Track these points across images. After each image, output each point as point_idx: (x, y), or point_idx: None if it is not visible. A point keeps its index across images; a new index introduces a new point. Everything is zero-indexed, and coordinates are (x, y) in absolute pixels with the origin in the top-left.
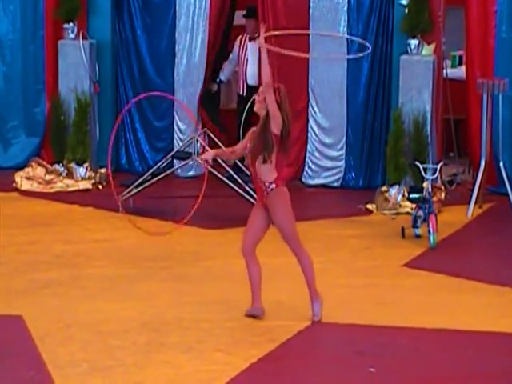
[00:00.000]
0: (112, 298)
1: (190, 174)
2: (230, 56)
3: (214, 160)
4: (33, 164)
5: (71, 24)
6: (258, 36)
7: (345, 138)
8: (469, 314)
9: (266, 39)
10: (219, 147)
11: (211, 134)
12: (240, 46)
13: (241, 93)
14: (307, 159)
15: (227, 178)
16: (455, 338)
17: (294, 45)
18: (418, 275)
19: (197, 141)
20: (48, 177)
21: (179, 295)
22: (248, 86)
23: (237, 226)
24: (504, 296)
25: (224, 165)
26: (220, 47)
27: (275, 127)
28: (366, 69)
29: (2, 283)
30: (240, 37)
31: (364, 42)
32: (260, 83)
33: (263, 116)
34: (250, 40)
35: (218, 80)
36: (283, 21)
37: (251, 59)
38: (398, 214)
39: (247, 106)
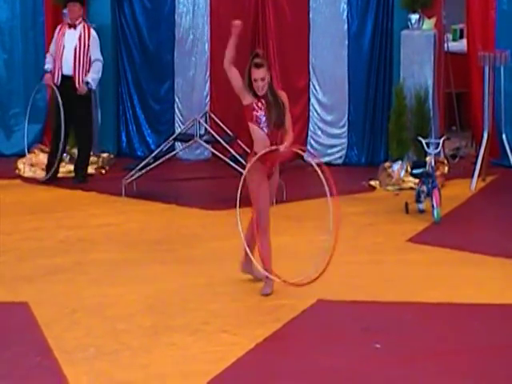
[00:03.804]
0: (117, 282)
1: (193, 156)
2: (51, 47)
3: (217, 142)
4: (35, 150)
5: None
6: (79, 23)
7: (347, 116)
8: (474, 287)
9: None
10: (222, 130)
11: (214, 116)
12: (59, 34)
13: (56, 82)
14: (309, 137)
15: (230, 158)
16: (460, 311)
17: (295, 22)
18: (423, 250)
19: (199, 122)
20: None
21: (184, 277)
22: (63, 76)
23: (241, 207)
24: (508, 268)
25: (227, 146)
26: None
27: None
28: (367, 45)
29: (7, 270)
30: (60, 25)
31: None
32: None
33: (267, 89)
34: (70, 27)
35: (45, 69)
36: (284, 1)
37: (68, 47)
38: (401, 189)
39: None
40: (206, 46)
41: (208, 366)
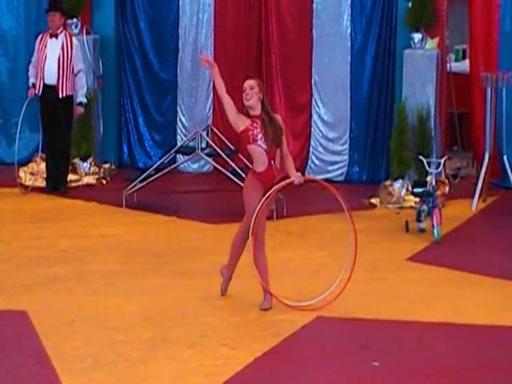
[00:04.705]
0: (116, 293)
1: (194, 169)
2: (33, 57)
3: (218, 155)
4: (37, 159)
5: (75, 19)
6: (61, 32)
7: (348, 133)
8: (473, 308)
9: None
10: (224, 143)
11: (215, 130)
12: (40, 44)
13: (37, 93)
14: (311, 154)
15: (231, 172)
16: (459, 331)
17: (298, 38)
18: (422, 269)
19: (200, 135)
20: None
21: (183, 290)
22: (45, 86)
23: (241, 221)
24: (508, 289)
25: (228, 160)
26: None
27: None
28: (370, 63)
29: (6, 279)
30: (41, 35)
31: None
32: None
33: (260, 107)
34: (51, 37)
35: (29, 84)
36: (286, 15)
37: (50, 56)
38: (401, 208)
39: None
40: (210, 58)
41: (206, 379)
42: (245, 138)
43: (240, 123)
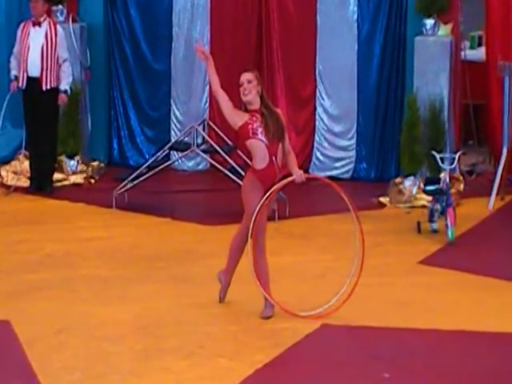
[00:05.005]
0: (107, 301)
1: (189, 166)
2: (15, 47)
3: (215, 152)
4: (20, 157)
5: (60, 6)
6: (44, 20)
7: (355, 126)
8: (490, 315)
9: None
10: (221, 139)
11: (212, 124)
12: (22, 33)
13: (21, 86)
14: (315, 149)
15: (229, 170)
16: (476, 340)
17: (301, 25)
18: (435, 273)
19: (196, 131)
20: None
21: (179, 297)
22: (29, 78)
23: (240, 222)
24: None
25: (226, 156)
26: None
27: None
28: (378, 51)
29: None
30: (23, 23)
31: None
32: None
33: (259, 101)
34: (34, 25)
35: (11, 77)
36: (289, 2)
37: (33, 47)
38: (413, 207)
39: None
40: (206, 48)
41: None
42: (244, 133)
43: (237, 119)
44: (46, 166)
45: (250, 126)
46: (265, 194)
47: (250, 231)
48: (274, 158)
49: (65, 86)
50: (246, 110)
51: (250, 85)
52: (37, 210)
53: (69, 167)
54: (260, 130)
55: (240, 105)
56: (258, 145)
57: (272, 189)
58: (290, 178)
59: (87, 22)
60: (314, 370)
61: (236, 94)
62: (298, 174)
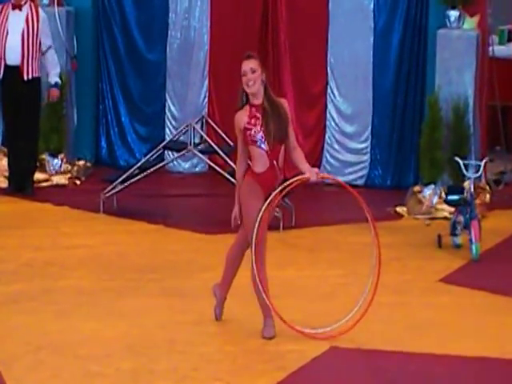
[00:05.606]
0: (91, 316)
1: (185, 168)
2: None
3: (214, 152)
4: None
5: None
6: (25, 3)
7: (370, 128)
8: None
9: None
10: (221, 138)
11: (211, 122)
12: (1, 17)
13: None
14: (325, 152)
15: (229, 172)
16: (498, 367)
17: (311, 14)
18: (457, 292)
19: (193, 129)
20: None
21: (171, 313)
22: (7, 66)
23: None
24: None
25: (226, 158)
26: None
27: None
28: (396, 45)
29: None
30: (2, 6)
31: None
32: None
33: (263, 92)
34: (14, 8)
35: None
36: None
37: (13, 32)
38: (433, 218)
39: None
40: (206, 37)
41: None
42: (243, 137)
43: (241, 124)
44: (26, 165)
45: (248, 133)
46: (265, 200)
47: (253, 241)
48: (274, 162)
49: (54, 78)
50: (248, 101)
51: (254, 75)
52: (15, 214)
53: (51, 166)
54: (260, 135)
55: (241, 95)
56: (258, 152)
57: (277, 189)
58: (302, 177)
59: (74, 6)
60: None
61: (237, 84)
62: (312, 172)
